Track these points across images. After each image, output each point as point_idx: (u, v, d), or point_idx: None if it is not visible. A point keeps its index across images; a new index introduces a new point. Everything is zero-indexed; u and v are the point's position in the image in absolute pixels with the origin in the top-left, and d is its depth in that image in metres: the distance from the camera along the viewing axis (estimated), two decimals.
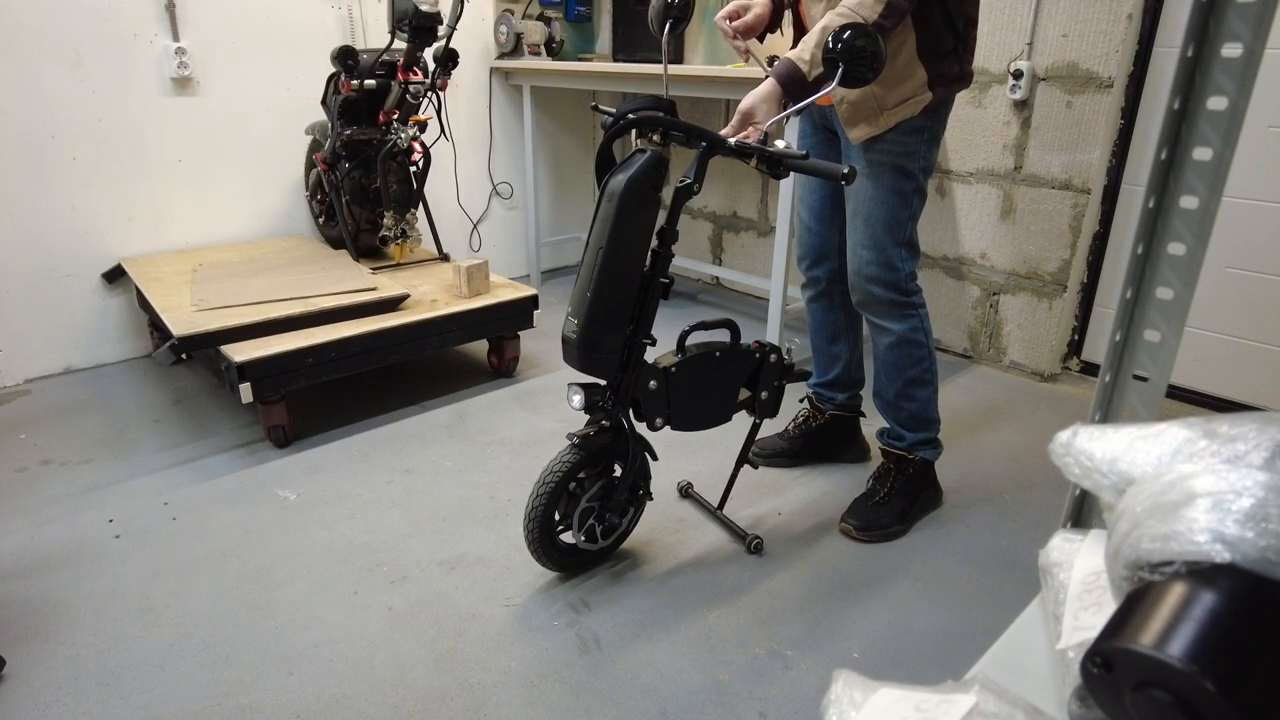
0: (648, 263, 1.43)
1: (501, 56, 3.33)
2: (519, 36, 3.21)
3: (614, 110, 1.39)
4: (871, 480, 1.85)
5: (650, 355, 1.50)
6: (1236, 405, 2.41)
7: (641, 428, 1.54)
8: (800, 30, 1.66)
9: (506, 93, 3.47)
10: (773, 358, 1.64)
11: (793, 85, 1.38)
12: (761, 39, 1.62)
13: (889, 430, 1.82)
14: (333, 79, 2.58)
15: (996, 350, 2.76)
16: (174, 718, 1.26)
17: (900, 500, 1.77)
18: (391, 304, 2.31)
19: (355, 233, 2.69)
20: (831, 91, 1.26)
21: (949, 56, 1.54)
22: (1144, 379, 0.64)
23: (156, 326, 2.51)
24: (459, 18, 2.44)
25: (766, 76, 1.41)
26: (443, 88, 2.53)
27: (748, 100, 1.40)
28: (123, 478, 1.96)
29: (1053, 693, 0.53)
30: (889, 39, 1.46)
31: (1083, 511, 0.70)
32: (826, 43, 1.20)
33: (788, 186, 2.44)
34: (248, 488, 1.92)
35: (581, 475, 1.53)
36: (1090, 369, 2.70)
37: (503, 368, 2.60)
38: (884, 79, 1.50)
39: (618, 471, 1.58)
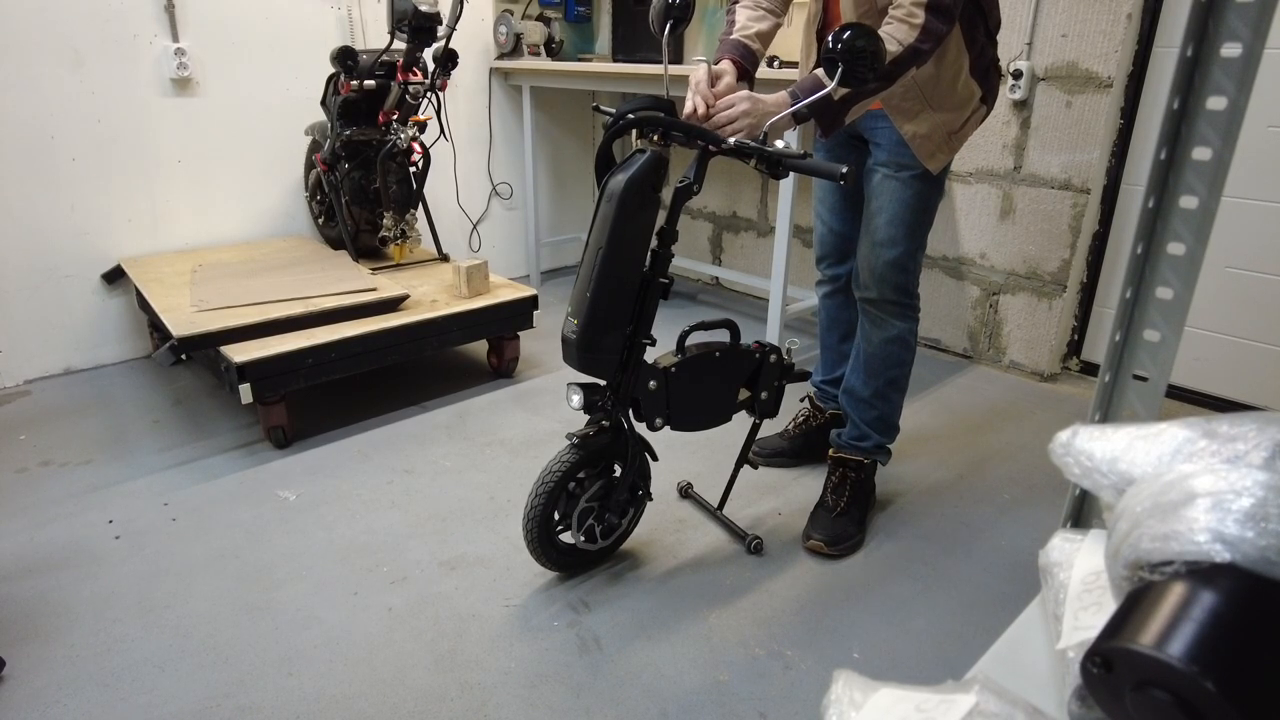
0: (647, 263, 1.43)
1: (501, 57, 3.33)
2: (518, 37, 3.21)
3: (615, 110, 1.39)
4: (828, 489, 1.80)
5: (650, 355, 1.50)
6: (1236, 405, 2.41)
7: (641, 428, 1.54)
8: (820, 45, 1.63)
9: (506, 93, 3.47)
10: (773, 358, 1.64)
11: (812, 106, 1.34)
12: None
13: (853, 432, 1.79)
14: (332, 79, 2.58)
15: (996, 350, 2.76)
16: (174, 718, 1.26)
17: (857, 508, 1.76)
18: (391, 304, 2.31)
19: (355, 233, 2.69)
20: (906, 126, 1.20)
21: (991, 70, 1.56)
22: (1144, 379, 0.64)
23: (156, 327, 2.51)
24: (458, 18, 2.44)
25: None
26: (442, 88, 2.53)
27: (753, 107, 1.36)
28: (122, 478, 1.96)
29: (1053, 693, 0.53)
30: (944, 64, 1.47)
31: (1083, 511, 0.70)
32: (827, 43, 1.19)
33: (788, 187, 2.44)
34: (248, 488, 1.92)
35: (581, 475, 1.53)
36: (1090, 369, 2.70)
37: (502, 368, 2.60)
38: (950, 105, 1.52)
39: (617, 471, 1.58)
